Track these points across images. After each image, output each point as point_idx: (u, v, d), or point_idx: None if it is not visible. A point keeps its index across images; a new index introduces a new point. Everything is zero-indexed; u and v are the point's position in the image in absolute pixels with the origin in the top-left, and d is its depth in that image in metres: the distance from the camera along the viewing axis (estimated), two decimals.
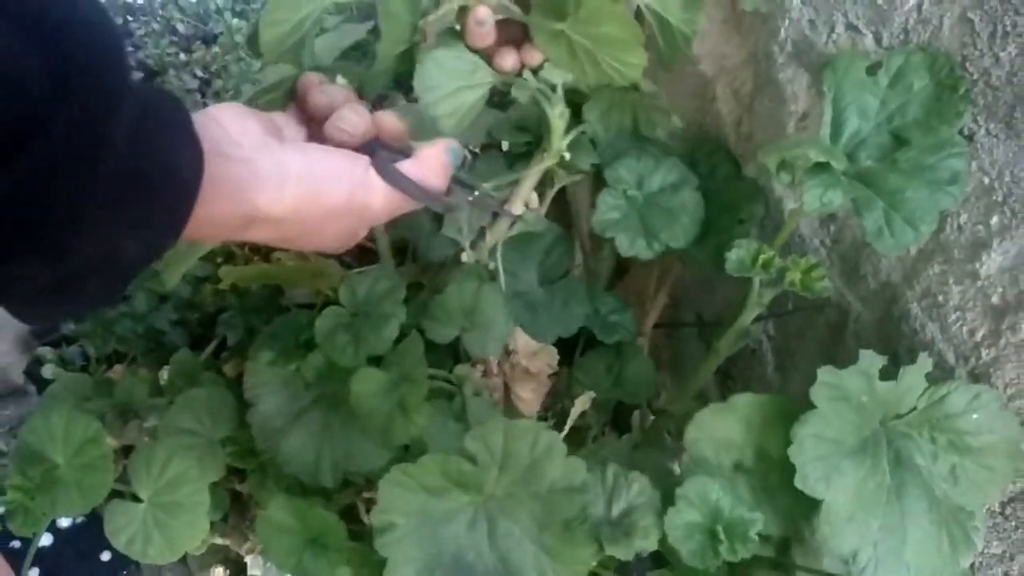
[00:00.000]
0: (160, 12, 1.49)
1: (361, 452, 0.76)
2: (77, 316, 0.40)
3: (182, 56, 1.47)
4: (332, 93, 0.59)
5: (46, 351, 1.40)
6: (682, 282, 1.11)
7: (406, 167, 0.56)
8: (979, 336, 0.67)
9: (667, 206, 0.80)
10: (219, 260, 1.10)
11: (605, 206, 0.80)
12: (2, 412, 1.69)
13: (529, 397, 0.82)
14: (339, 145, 0.56)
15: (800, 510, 0.64)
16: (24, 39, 0.35)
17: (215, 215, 0.45)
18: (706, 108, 1.00)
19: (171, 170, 0.41)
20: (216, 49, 1.46)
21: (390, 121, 0.59)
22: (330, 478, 0.77)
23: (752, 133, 0.92)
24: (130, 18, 1.47)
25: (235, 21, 1.43)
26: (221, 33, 1.39)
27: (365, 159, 0.55)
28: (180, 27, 1.43)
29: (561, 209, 0.97)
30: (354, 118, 0.57)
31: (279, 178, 0.48)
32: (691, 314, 1.12)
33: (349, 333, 0.74)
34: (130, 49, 1.37)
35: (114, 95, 0.37)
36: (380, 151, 0.56)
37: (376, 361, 0.74)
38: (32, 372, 1.48)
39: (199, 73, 1.42)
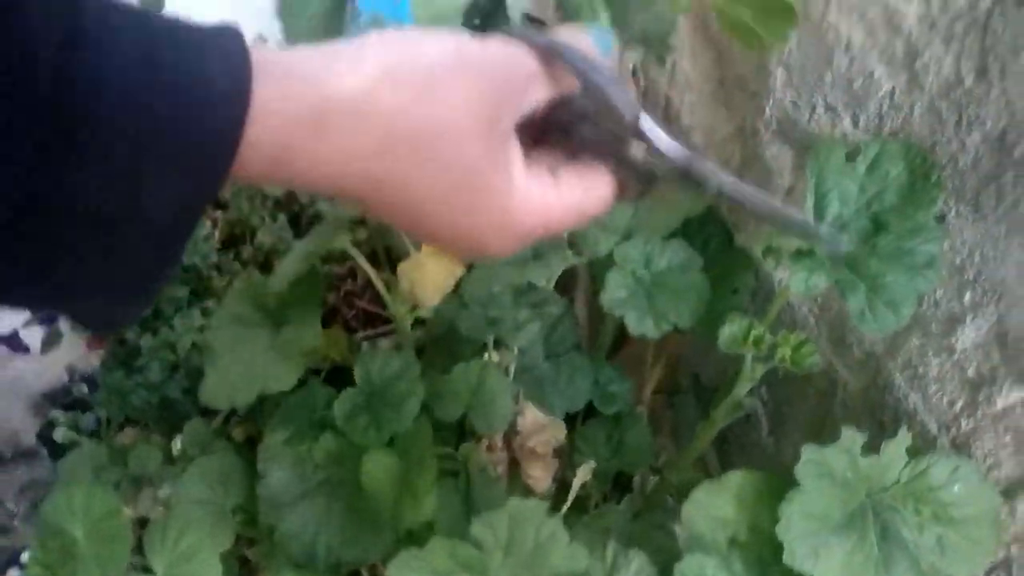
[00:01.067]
0: None
1: (358, 541, 0.79)
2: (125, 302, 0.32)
3: None
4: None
5: (59, 414, 1.42)
6: (680, 345, 1.14)
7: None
8: (958, 407, 0.70)
9: (674, 286, 0.83)
10: None
11: (614, 284, 0.83)
12: (13, 473, 1.72)
13: (539, 475, 0.85)
14: None
15: None
16: None
17: (270, 114, 0.31)
18: None
19: (205, 77, 0.29)
20: None
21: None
22: (323, 563, 0.80)
23: None
24: None
25: None
26: None
27: None
28: None
29: (561, 280, 1.00)
30: None
31: (353, 47, 0.34)
32: (689, 376, 1.15)
33: (368, 414, 0.77)
34: None
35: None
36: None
37: (388, 440, 0.77)
38: (44, 435, 1.50)
39: None
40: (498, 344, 0.88)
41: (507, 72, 0.37)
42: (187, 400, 1.08)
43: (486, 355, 0.85)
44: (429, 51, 0.35)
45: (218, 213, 1.26)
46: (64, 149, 0.27)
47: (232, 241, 1.26)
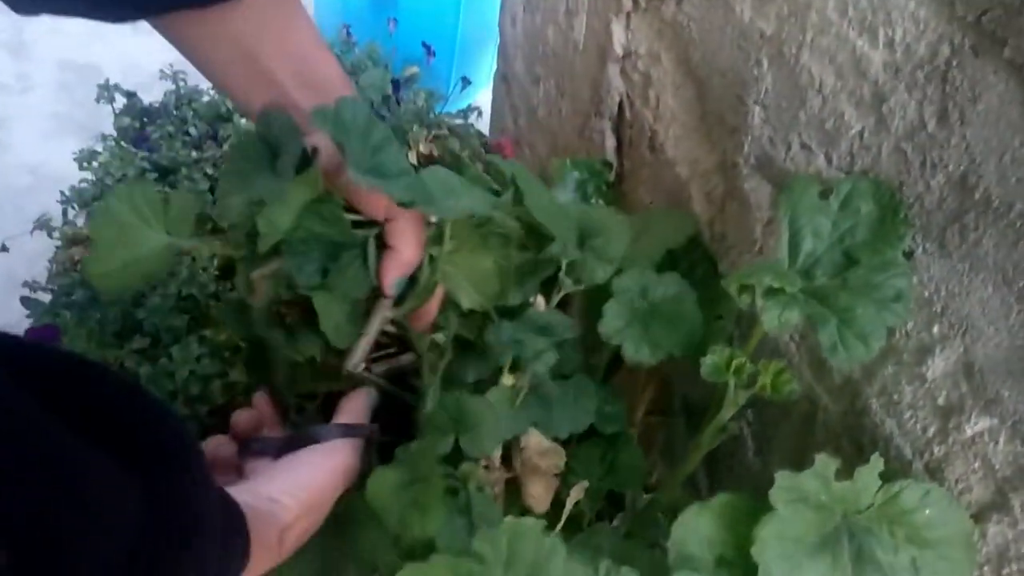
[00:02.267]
0: (175, 113, 1.58)
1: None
2: None
3: (194, 154, 1.56)
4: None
5: None
6: (670, 367, 1.17)
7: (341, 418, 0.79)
8: (930, 433, 0.73)
9: (669, 316, 0.87)
10: None
11: (612, 314, 0.87)
12: None
13: (540, 494, 0.87)
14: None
15: None
16: (125, 468, 0.40)
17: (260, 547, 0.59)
18: (682, 207, 1.07)
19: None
20: (226, 147, 1.54)
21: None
22: None
23: (725, 233, 1.00)
24: (146, 120, 1.57)
25: (243, 122, 1.52)
26: (231, 135, 1.48)
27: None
28: (192, 130, 1.52)
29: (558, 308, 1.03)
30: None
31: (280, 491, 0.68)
32: (679, 395, 1.19)
33: None
34: (146, 152, 1.45)
35: (200, 521, 0.47)
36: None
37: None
38: None
39: (209, 171, 1.50)
40: (513, 367, 0.91)
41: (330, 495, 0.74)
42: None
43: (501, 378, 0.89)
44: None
45: (217, 242, 1.29)
46: None
47: (230, 270, 1.29)
